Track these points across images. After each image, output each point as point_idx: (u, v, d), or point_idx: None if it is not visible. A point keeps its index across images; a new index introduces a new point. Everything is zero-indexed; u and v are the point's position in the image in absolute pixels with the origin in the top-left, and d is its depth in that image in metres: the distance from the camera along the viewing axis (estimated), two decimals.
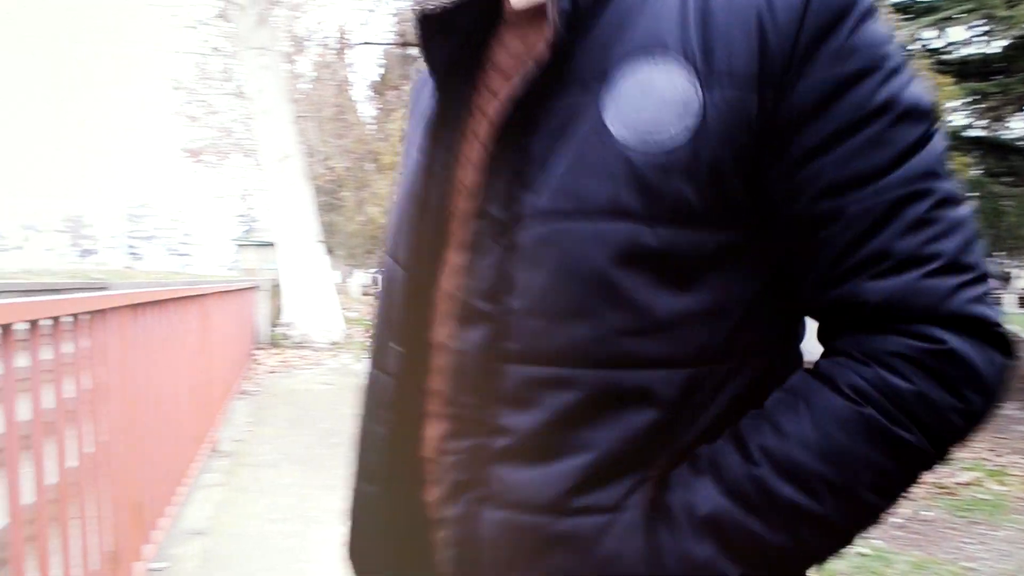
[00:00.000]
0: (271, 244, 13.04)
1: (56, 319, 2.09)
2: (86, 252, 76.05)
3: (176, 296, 3.87)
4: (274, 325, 11.96)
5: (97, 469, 2.42)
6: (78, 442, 2.29)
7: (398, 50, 19.93)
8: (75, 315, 2.25)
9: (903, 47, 0.64)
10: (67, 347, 2.19)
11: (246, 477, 4.69)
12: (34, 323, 1.91)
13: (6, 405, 1.71)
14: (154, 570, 3.16)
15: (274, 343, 11.39)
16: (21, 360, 1.77)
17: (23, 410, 1.79)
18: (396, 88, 18.08)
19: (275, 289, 12.25)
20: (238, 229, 72.74)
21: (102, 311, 2.51)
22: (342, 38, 19.12)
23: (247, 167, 21.83)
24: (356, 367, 9.83)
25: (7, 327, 1.71)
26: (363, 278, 32.57)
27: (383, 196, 12.07)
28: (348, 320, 13.16)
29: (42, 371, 1.95)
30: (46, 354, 2.01)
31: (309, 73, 20.01)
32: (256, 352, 10.26)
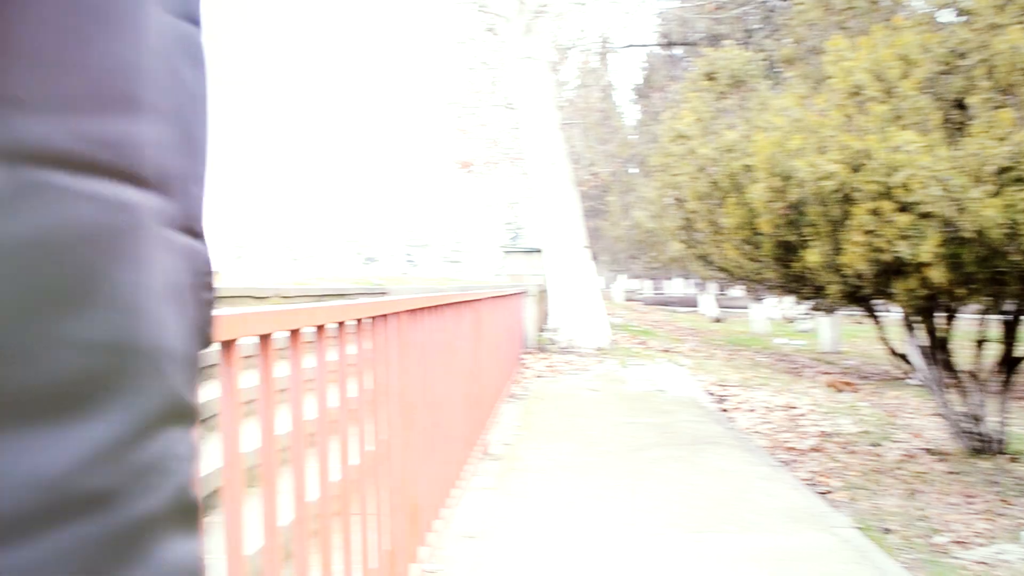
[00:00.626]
0: (537, 251, 13.28)
1: (341, 323, 2.12)
2: (368, 260, 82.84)
3: (451, 301, 3.93)
4: (541, 330, 12.17)
5: (377, 468, 2.45)
6: (359, 441, 2.32)
7: (662, 51, 19.66)
8: (359, 319, 2.28)
9: None
10: (336, 352, 2.21)
11: (516, 482, 4.69)
12: (320, 327, 1.93)
13: (294, 404, 1.73)
14: (428, 572, 3.19)
15: (541, 348, 11.58)
16: (293, 363, 1.79)
17: (308, 410, 1.81)
18: (661, 90, 17.82)
19: (541, 294, 12.46)
20: (506, 236, 75.71)
21: (384, 315, 2.54)
22: (605, 43, 19.18)
23: (515, 176, 22.57)
24: (622, 373, 9.71)
25: (295, 332, 1.72)
26: (627, 284, 32.51)
27: (650, 200, 11.88)
28: (613, 326, 13.11)
29: (326, 372, 1.97)
30: (322, 358, 2.03)
31: (573, 79, 20.30)
32: (524, 356, 10.47)
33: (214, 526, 1.41)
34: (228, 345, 1.39)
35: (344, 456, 2.13)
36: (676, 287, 45.03)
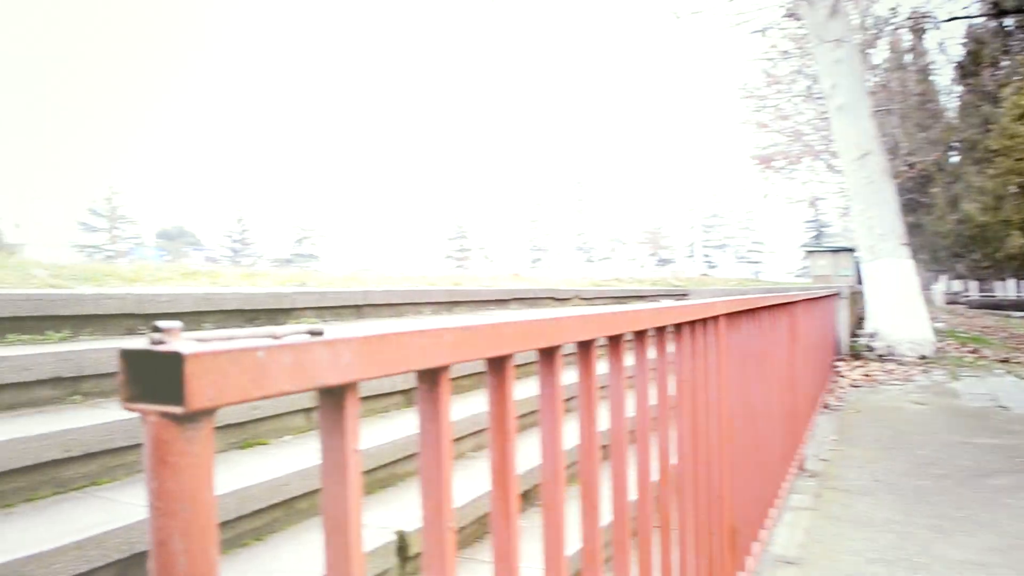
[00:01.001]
0: (844, 249, 12.33)
1: (661, 329, 1.94)
2: (663, 261, 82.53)
3: (768, 304, 3.63)
4: (854, 335, 11.23)
5: (695, 480, 2.25)
6: (674, 449, 2.13)
7: (992, 22, 17.44)
8: (678, 324, 2.09)
9: None
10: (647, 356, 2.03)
11: (836, 503, 4.27)
12: (640, 332, 1.77)
13: (614, 410, 1.63)
14: None
15: (855, 354, 10.68)
16: (614, 370, 1.65)
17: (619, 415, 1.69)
18: (992, 65, 15.80)
19: (853, 296, 11.51)
20: (806, 235, 72.12)
21: (703, 320, 2.33)
22: (921, 18, 17.37)
23: (817, 171, 21.23)
24: (952, 385, 8.66)
25: (615, 337, 1.57)
26: (948, 285, 29.42)
27: (984, 190, 10.52)
28: (936, 332, 11.78)
29: (638, 376, 1.82)
30: (642, 362, 1.87)
31: (885, 62, 18.61)
32: (837, 364, 9.70)
33: (535, 525, 1.31)
34: (550, 352, 1.26)
35: (664, 458, 1.96)
36: (1008, 289, 40.06)
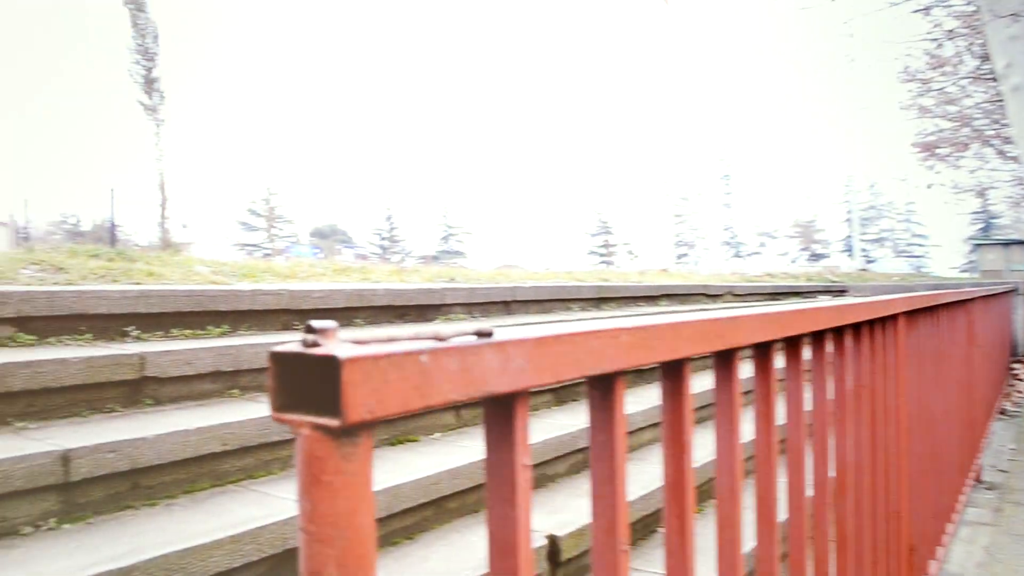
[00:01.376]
0: (1017, 242, 11.38)
1: (839, 329, 1.76)
2: (815, 256, 79.12)
3: (946, 302, 3.32)
4: None
5: (872, 492, 2.05)
6: (845, 455, 1.95)
7: None
8: (856, 324, 1.91)
9: None
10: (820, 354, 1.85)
11: (1018, 519, 3.90)
12: (819, 333, 1.61)
13: (791, 411, 1.50)
14: None
15: None
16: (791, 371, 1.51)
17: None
18: None
19: None
20: (972, 227, 67.54)
21: (881, 319, 2.13)
22: None
23: (987, 158, 19.73)
24: None
25: (794, 339, 1.42)
26: None
27: None
28: None
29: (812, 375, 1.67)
30: (821, 363, 1.72)
31: None
32: (1014, 366, 8.95)
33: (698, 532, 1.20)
34: (728, 355, 1.13)
35: (842, 459, 1.80)
36: None
